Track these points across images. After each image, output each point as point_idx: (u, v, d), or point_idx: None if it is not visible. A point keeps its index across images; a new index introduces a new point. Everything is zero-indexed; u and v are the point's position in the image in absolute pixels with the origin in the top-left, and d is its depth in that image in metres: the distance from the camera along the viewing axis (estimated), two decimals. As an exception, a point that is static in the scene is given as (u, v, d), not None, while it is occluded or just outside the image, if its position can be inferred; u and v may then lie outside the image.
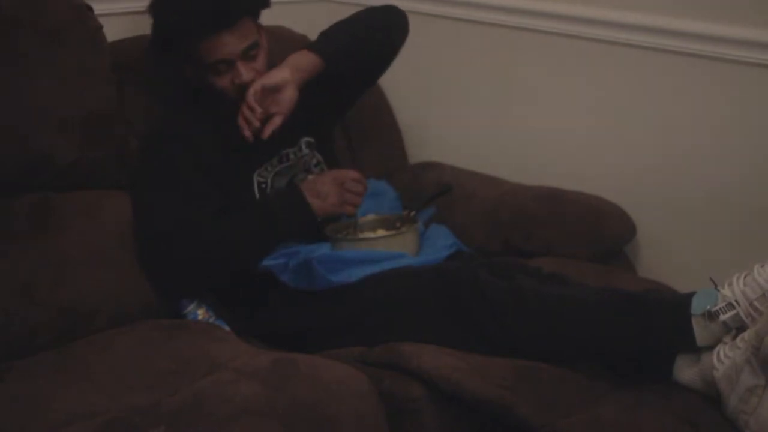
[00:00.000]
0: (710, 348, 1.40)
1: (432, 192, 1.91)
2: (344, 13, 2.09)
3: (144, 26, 1.96)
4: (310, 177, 1.79)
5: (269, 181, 1.79)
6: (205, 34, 1.67)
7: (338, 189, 1.70)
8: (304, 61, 1.72)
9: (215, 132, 1.76)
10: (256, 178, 1.77)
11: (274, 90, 1.68)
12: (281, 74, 1.69)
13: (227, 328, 1.65)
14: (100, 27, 1.72)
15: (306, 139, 1.88)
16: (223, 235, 1.67)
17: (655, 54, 1.88)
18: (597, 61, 1.99)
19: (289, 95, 1.69)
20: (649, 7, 1.88)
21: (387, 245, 1.71)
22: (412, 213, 1.84)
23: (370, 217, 1.85)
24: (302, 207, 1.69)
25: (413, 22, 2.29)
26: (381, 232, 1.79)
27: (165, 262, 1.64)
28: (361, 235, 1.77)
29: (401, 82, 2.32)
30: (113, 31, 1.78)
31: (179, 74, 1.77)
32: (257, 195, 1.76)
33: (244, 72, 1.70)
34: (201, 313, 1.68)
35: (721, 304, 1.38)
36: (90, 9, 1.71)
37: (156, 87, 1.87)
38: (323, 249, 1.69)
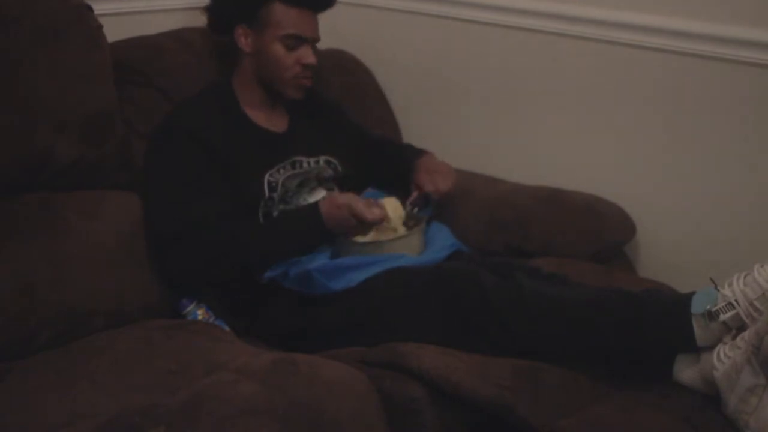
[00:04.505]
0: (710, 348, 1.40)
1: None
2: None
3: (144, 26, 1.96)
4: (327, 197, 1.75)
5: (280, 181, 1.79)
6: (313, 6, 1.82)
7: (356, 223, 1.67)
8: None
9: (227, 129, 1.77)
10: (267, 178, 1.77)
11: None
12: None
13: (227, 328, 1.65)
14: (100, 27, 1.72)
15: (326, 157, 1.90)
16: (233, 239, 1.67)
17: (655, 54, 1.88)
18: (597, 61, 1.99)
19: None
20: (650, 7, 1.88)
21: (392, 248, 1.70)
22: (415, 209, 1.83)
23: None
24: (321, 231, 1.68)
25: (414, 22, 2.29)
26: (387, 233, 1.77)
27: (171, 260, 1.66)
28: (366, 239, 1.75)
29: (401, 82, 2.33)
30: (113, 31, 1.78)
31: (228, 43, 1.84)
32: (267, 194, 1.76)
33: (312, 55, 1.81)
34: (201, 313, 1.69)
35: (721, 304, 1.38)
36: (90, 9, 1.71)
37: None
38: (322, 257, 1.68)
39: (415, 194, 1.87)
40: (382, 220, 1.68)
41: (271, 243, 1.68)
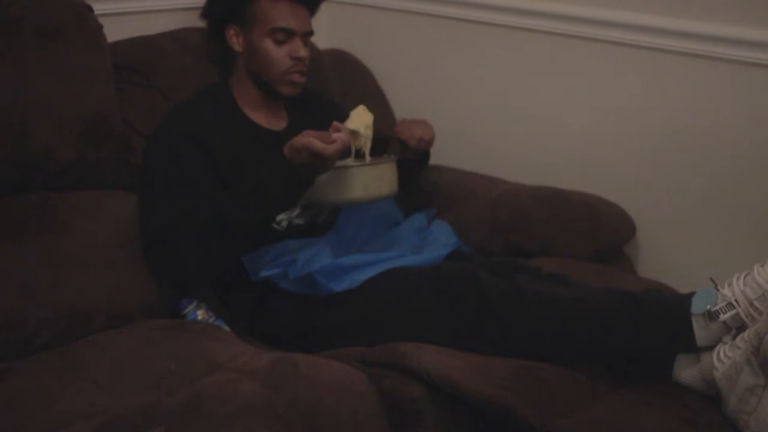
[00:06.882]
0: (710, 348, 1.40)
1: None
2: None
3: (144, 26, 1.96)
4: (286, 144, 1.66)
5: None
6: None
7: (318, 160, 1.59)
8: None
9: (227, 129, 1.76)
10: None
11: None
12: None
13: (227, 328, 1.65)
14: (100, 27, 1.72)
15: None
16: (220, 224, 1.64)
17: (655, 54, 1.89)
18: (596, 61, 1.99)
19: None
20: (649, 7, 1.89)
21: (365, 177, 1.65)
22: (392, 157, 1.80)
23: (350, 160, 1.74)
24: (296, 176, 1.60)
25: (414, 22, 2.29)
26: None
27: (165, 259, 1.64)
28: (338, 164, 1.65)
29: (400, 82, 2.33)
30: (113, 31, 1.78)
31: (224, 46, 1.83)
32: None
33: (303, 48, 1.78)
34: (201, 313, 1.68)
35: (721, 304, 1.38)
36: (90, 9, 1.71)
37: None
38: (322, 257, 1.66)
39: (392, 142, 1.82)
40: (344, 147, 1.59)
41: (253, 201, 1.59)
